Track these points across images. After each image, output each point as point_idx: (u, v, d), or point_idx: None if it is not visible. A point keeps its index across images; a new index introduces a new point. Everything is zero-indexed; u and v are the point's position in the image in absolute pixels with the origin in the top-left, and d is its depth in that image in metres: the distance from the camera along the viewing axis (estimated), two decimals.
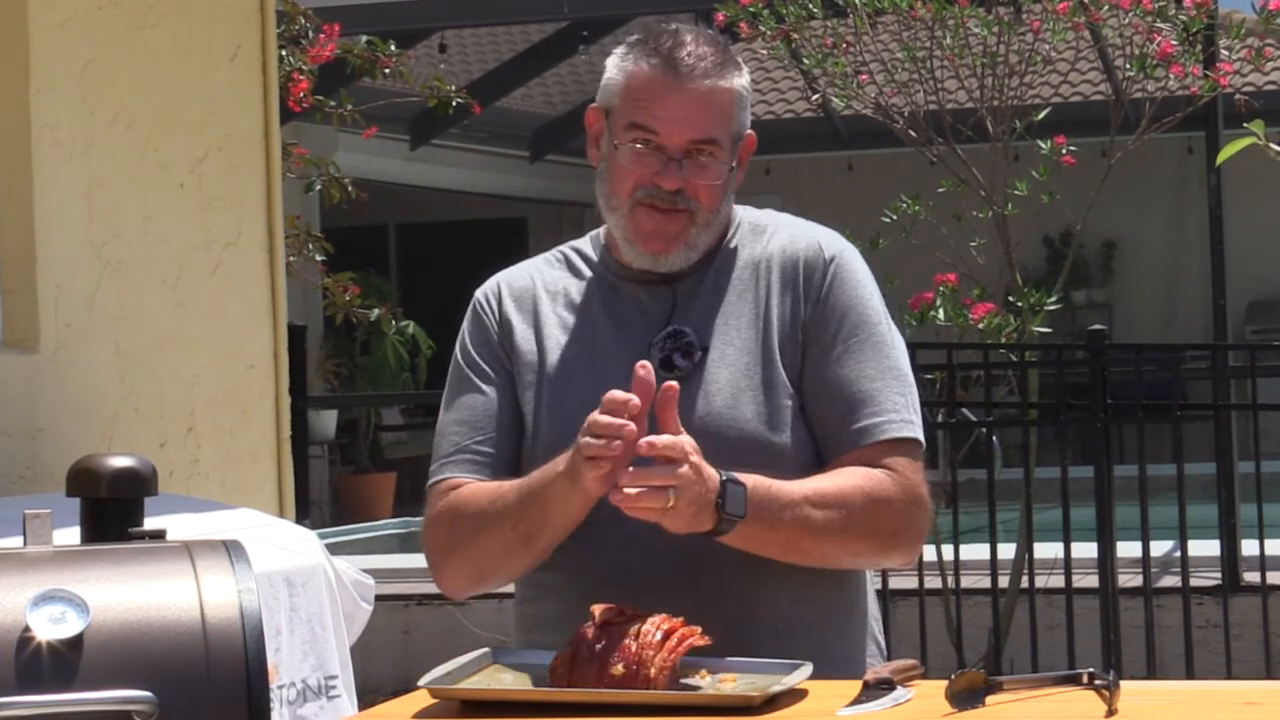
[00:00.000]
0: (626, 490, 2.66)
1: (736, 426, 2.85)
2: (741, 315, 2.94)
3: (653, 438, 2.67)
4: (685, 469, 2.67)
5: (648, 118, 2.90)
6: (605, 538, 2.83)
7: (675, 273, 2.96)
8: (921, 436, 2.94)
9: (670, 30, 2.95)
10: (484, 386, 2.98)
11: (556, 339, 2.97)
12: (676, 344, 2.91)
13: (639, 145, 2.90)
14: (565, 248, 3.08)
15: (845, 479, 2.85)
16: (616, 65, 2.96)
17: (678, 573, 2.80)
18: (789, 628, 2.84)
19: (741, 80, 2.96)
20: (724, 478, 2.72)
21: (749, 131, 2.99)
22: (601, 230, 3.06)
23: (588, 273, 3.02)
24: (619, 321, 2.96)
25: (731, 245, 3.00)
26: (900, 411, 2.91)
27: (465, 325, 3.04)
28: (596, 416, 2.69)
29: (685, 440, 2.69)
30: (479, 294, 3.05)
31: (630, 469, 2.67)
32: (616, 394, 2.69)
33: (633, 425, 2.67)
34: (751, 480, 2.76)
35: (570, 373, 2.94)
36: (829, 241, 2.99)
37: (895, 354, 2.95)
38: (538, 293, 3.01)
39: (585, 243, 3.07)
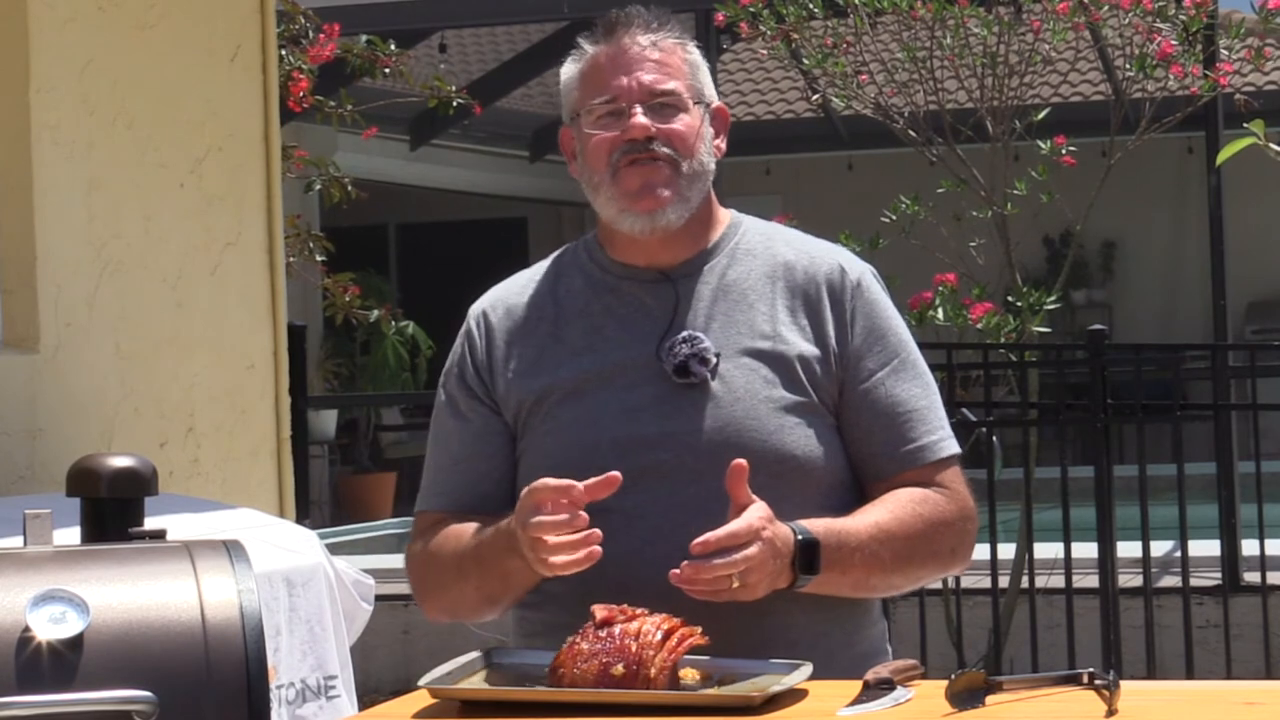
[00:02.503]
0: (690, 579, 2.64)
1: (759, 438, 2.83)
2: (753, 324, 2.92)
3: (707, 536, 2.64)
4: (754, 549, 2.65)
5: (602, 89, 2.92)
6: (614, 548, 2.79)
7: (676, 270, 2.95)
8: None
9: (605, 17, 2.98)
10: (464, 417, 2.97)
11: (558, 350, 2.93)
12: (692, 350, 2.88)
13: (603, 116, 2.91)
14: (558, 255, 3.06)
15: (903, 508, 2.86)
16: (567, 71, 2.99)
17: None
18: (800, 639, 2.83)
19: (691, 49, 2.98)
20: (798, 536, 2.73)
21: (719, 103, 3.01)
22: (594, 234, 3.04)
23: (586, 277, 2.99)
24: (623, 324, 2.93)
25: (734, 248, 2.98)
26: (945, 428, 2.94)
27: (454, 349, 3.02)
28: (539, 517, 2.67)
29: (755, 516, 2.67)
30: (470, 315, 3.03)
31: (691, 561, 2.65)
32: (550, 483, 2.67)
33: (584, 516, 2.66)
34: (822, 529, 2.76)
35: (577, 382, 2.90)
36: (850, 263, 2.99)
37: (927, 370, 2.99)
38: (534, 306, 2.98)
39: (578, 247, 3.05)
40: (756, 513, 2.68)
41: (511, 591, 2.87)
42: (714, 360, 2.88)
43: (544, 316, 2.97)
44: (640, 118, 2.89)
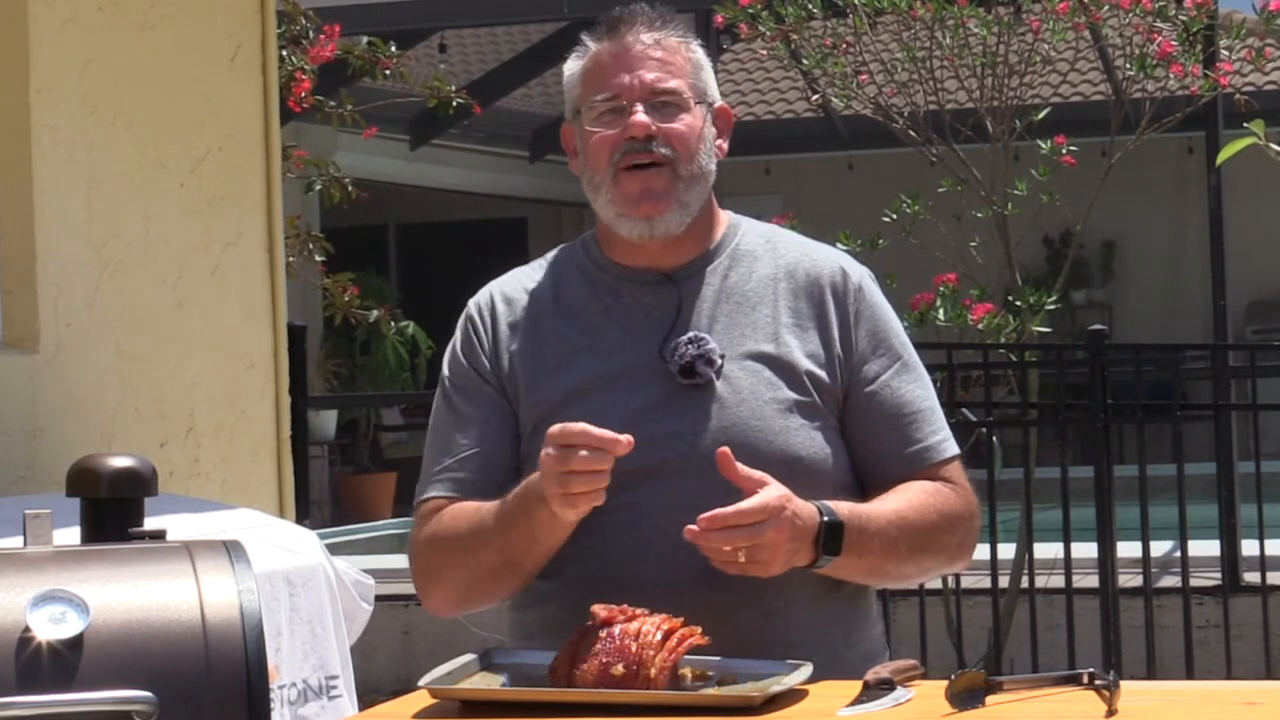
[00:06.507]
0: (709, 538, 2.65)
1: (765, 439, 2.83)
2: (755, 326, 2.92)
3: (715, 512, 2.64)
4: (767, 531, 2.65)
5: (605, 86, 2.92)
6: (617, 547, 2.80)
7: (678, 271, 2.94)
8: None
9: (608, 15, 2.98)
10: (471, 403, 2.94)
11: (559, 348, 2.92)
12: (698, 350, 2.87)
13: (604, 114, 2.91)
14: (557, 252, 3.05)
15: (919, 498, 2.87)
16: (570, 68, 2.99)
17: (692, 585, 2.77)
18: (802, 639, 2.83)
19: (694, 48, 2.97)
20: (824, 517, 2.73)
21: (722, 103, 3.00)
22: (592, 233, 3.04)
23: (585, 276, 2.98)
24: (625, 325, 2.92)
25: (735, 249, 2.98)
26: (946, 428, 2.96)
27: (455, 338, 3.00)
28: (584, 456, 2.66)
29: (771, 495, 2.68)
30: (470, 306, 3.01)
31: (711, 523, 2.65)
32: (599, 433, 2.66)
33: (608, 462, 2.65)
34: (846, 511, 2.78)
35: (582, 385, 2.88)
36: (851, 266, 3.00)
37: (925, 371, 3.00)
38: (534, 301, 2.97)
39: (577, 246, 3.04)
40: (773, 493, 2.68)
41: (534, 552, 2.80)
42: (719, 361, 2.87)
43: (544, 314, 2.96)
44: (641, 116, 2.88)
